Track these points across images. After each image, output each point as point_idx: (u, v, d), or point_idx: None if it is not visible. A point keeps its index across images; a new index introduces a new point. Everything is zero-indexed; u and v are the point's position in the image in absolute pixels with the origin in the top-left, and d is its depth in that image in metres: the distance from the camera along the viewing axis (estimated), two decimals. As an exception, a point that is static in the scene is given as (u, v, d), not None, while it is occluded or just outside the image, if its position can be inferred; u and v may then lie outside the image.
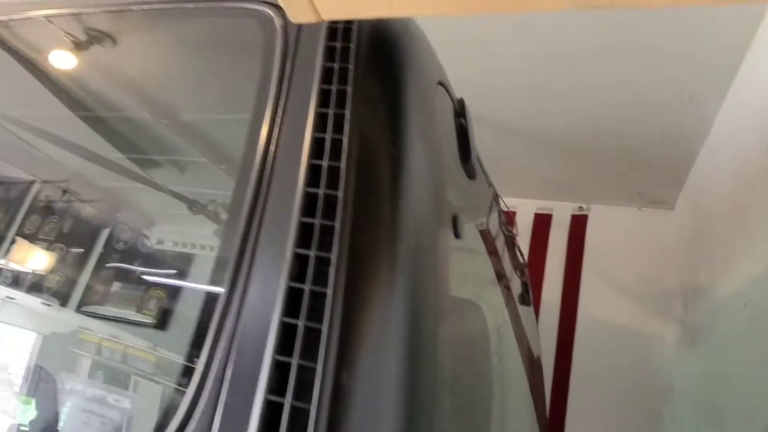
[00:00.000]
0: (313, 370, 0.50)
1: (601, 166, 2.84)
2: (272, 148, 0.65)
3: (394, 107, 0.69)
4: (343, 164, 0.60)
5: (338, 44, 0.70)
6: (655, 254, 2.98)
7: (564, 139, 2.65)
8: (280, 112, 0.67)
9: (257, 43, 0.82)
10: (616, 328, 2.92)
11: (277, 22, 0.79)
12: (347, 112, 0.64)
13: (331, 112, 0.64)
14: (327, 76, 0.68)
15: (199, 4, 0.90)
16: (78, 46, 1.04)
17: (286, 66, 0.72)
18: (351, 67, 0.68)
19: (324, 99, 0.66)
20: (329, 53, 0.70)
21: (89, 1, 0.98)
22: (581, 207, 3.16)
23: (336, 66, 0.68)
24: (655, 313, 2.88)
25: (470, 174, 1.04)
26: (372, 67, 0.70)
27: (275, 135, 0.66)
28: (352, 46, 0.70)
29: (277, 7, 0.81)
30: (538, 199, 3.29)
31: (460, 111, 1.00)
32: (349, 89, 0.65)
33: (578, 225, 3.12)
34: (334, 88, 0.66)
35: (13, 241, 0.99)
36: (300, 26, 0.77)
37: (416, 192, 0.65)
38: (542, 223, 3.16)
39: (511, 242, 1.76)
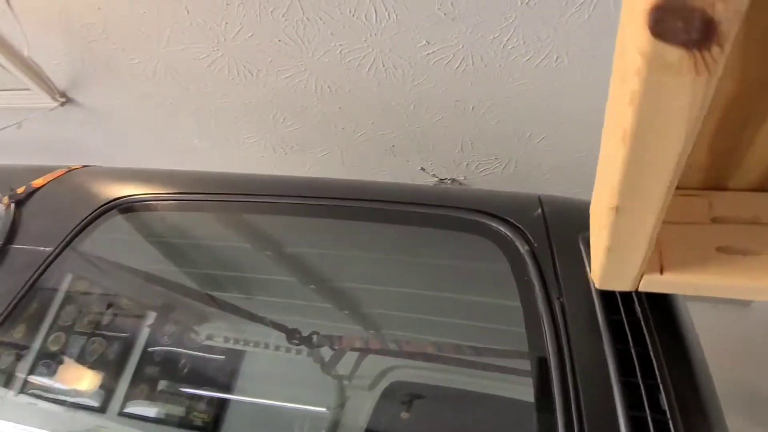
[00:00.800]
0: None
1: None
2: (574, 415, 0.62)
3: (687, 345, 0.66)
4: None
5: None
6: (738, 353, 2.86)
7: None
8: (569, 374, 0.64)
9: (495, 264, 0.80)
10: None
11: (521, 246, 0.77)
12: (660, 383, 0.61)
13: (641, 383, 0.61)
14: (617, 332, 0.65)
15: (413, 207, 0.89)
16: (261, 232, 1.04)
17: (555, 310, 0.70)
18: (642, 321, 0.65)
19: (624, 364, 0.62)
20: (608, 302, 0.68)
21: (292, 187, 0.98)
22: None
23: (624, 319, 0.66)
24: (749, 418, 2.73)
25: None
26: (663, 319, 0.67)
27: (572, 397, 0.63)
28: (633, 294, 0.68)
29: (516, 229, 0.80)
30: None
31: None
32: (652, 352, 0.63)
33: (655, 322, 3.03)
34: (633, 349, 0.63)
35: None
36: (553, 254, 0.75)
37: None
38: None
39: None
